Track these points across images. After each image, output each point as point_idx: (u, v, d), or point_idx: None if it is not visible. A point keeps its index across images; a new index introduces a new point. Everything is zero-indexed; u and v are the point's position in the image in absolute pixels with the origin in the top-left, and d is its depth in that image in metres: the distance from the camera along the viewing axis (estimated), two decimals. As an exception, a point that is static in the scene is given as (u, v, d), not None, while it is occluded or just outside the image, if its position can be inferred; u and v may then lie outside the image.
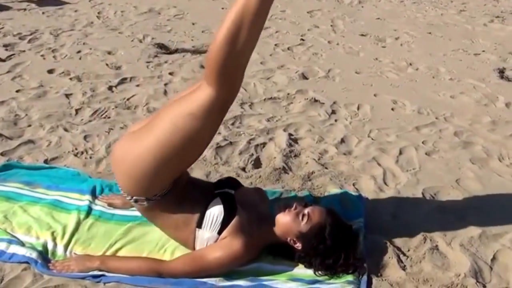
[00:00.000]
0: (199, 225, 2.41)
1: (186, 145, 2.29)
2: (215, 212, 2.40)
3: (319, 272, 2.42)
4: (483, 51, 6.00)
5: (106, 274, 2.37)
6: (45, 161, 3.33)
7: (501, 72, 5.31)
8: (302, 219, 2.42)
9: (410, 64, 5.47)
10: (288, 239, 2.45)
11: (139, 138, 2.34)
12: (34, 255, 2.43)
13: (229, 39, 2.17)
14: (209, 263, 2.34)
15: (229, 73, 2.24)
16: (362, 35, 6.48)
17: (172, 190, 2.40)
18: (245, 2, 2.16)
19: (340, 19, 7.15)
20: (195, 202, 2.45)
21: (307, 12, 7.40)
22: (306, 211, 2.45)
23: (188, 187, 2.52)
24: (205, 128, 2.31)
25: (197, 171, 3.27)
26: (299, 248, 2.45)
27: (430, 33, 6.66)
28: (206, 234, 2.40)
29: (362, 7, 7.88)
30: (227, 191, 2.53)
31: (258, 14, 2.18)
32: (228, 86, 2.28)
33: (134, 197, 2.40)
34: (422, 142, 3.79)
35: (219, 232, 2.38)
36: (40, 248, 2.50)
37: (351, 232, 2.57)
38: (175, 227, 2.45)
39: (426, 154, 3.63)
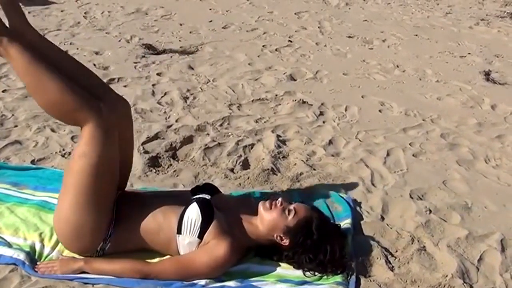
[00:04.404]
0: (179, 231, 2.41)
1: (100, 180, 2.33)
2: (192, 216, 2.40)
3: (309, 273, 2.43)
4: (469, 53, 6.06)
5: (90, 276, 2.36)
6: (32, 162, 3.31)
7: (487, 74, 5.36)
8: (289, 214, 2.45)
9: (397, 66, 5.50)
10: (275, 235, 2.46)
11: (59, 205, 2.40)
12: (21, 256, 2.41)
13: (44, 101, 2.35)
14: (197, 268, 2.35)
15: (77, 111, 2.31)
16: (350, 37, 6.50)
17: (125, 218, 2.43)
18: (18, 72, 2.35)
19: (328, 20, 7.17)
20: (170, 211, 2.45)
21: (295, 14, 7.42)
22: (291, 206, 2.48)
23: (161, 199, 2.53)
24: (106, 155, 2.35)
25: (185, 173, 3.27)
26: (286, 244, 2.45)
27: (416, 35, 6.71)
28: (186, 240, 2.40)
29: (349, 9, 7.91)
30: (203, 197, 2.53)
31: (33, 69, 2.30)
32: (92, 113, 2.32)
33: (95, 251, 2.43)
34: (409, 144, 3.82)
35: (200, 236, 2.38)
36: (27, 249, 2.48)
37: (337, 227, 2.62)
38: (153, 239, 2.45)
39: (413, 155, 3.66)
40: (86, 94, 2.36)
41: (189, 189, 2.73)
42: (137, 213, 2.45)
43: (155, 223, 2.43)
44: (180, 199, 2.52)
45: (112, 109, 2.40)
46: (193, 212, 2.41)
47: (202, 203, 2.45)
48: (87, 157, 2.31)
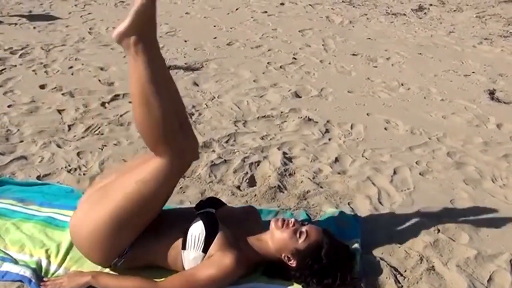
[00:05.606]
0: (183, 246, 2.40)
1: (145, 210, 2.33)
2: (197, 231, 2.39)
3: (316, 293, 2.40)
4: (473, 72, 6.06)
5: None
6: (38, 178, 3.30)
7: (492, 93, 5.37)
8: (300, 237, 2.42)
9: (402, 84, 5.50)
10: (283, 255, 2.44)
11: (93, 210, 2.34)
12: (27, 273, 2.39)
13: (144, 115, 2.25)
14: (202, 280, 2.32)
15: (167, 140, 2.28)
16: (354, 54, 6.52)
17: (139, 237, 2.41)
18: (135, 77, 2.24)
19: (331, 38, 7.19)
20: (175, 228, 2.45)
21: (299, 31, 7.44)
22: (304, 229, 2.45)
23: (166, 216, 2.51)
24: (163, 192, 2.37)
25: (192, 190, 3.25)
26: (293, 265, 2.44)
27: (420, 53, 6.72)
28: (191, 255, 2.38)
29: (353, 27, 7.94)
30: (208, 210, 2.52)
31: (154, 79, 2.24)
32: (175, 151, 2.30)
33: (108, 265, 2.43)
34: (416, 162, 3.81)
35: (204, 251, 2.37)
36: (33, 266, 2.46)
37: (348, 252, 2.57)
38: (161, 257, 2.44)
39: (420, 174, 3.64)
40: (179, 130, 2.33)
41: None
42: (149, 232, 2.43)
43: (163, 241, 2.42)
44: (185, 216, 2.51)
45: (190, 155, 2.40)
46: (197, 227, 2.40)
47: (206, 217, 2.44)
48: (145, 187, 2.28)
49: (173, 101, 2.36)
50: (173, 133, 2.30)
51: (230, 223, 2.50)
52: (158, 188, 2.31)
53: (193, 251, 2.38)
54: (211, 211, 2.51)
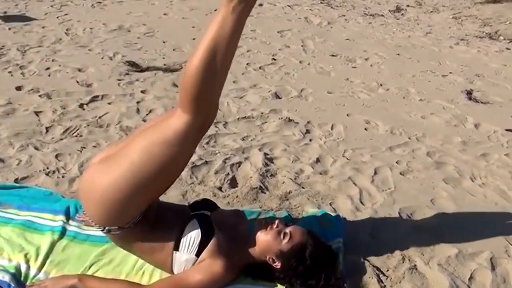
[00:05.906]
0: (176, 247, 2.36)
1: (160, 173, 2.24)
2: (192, 234, 2.36)
3: (300, 293, 2.39)
4: (450, 72, 6.13)
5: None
6: (16, 181, 3.24)
7: (469, 93, 5.43)
8: (284, 238, 2.41)
9: (381, 85, 5.54)
10: (267, 257, 2.42)
11: (109, 168, 2.27)
12: (6, 278, 2.35)
13: (204, 66, 2.14)
14: (191, 285, 2.29)
15: (205, 98, 2.20)
16: (333, 55, 6.54)
17: (145, 216, 2.35)
18: (218, 29, 2.14)
19: (310, 39, 7.21)
20: (170, 225, 2.41)
21: (278, 32, 7.45)
22: (287, 230, 2.43)
23: (161, 211, 2.47)
24: (180, 155, 2.27)
25: (173, 191, 3.22)
26: (278, 267, 2.42)
27: (398, 54, 6.77)
28: (183, 257, 2.35)
29: (331, 27, 7.97)
30: (204, 213, 2.49)
31: (231, 41, 2.17)
32: (205, 111, 2.23)
33: (107, 228, 2.33)
34: (396, 162, 3.83)
35: (197, 254, 2.34)
36: (12, 271, 2.41)
37: (332, 253, 2.56)
38: (151, 251, 2.40)
39: (400, 174, 3.66)
40: (218, 92, 2.26)
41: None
42: (148, 223, 2.38)
43: (158, 236, 2.38)
44: (182, 214, 2.48)
45: (213, 117, 2.32)
46: (193, 230, 2.37)
47: (202, 221, 2.41)
48: (169, 148, 2.19)
49: (229, 67, 2.28)
50: (214, 94, 2.23)
51: (223, 227, 2.48)
52: (181, 151, 2.23)
53: (186, 254, 2.35)
54: (207, 214, 2.49)
